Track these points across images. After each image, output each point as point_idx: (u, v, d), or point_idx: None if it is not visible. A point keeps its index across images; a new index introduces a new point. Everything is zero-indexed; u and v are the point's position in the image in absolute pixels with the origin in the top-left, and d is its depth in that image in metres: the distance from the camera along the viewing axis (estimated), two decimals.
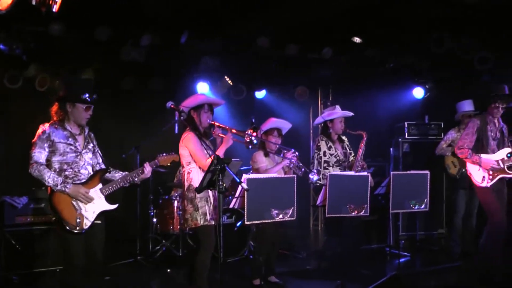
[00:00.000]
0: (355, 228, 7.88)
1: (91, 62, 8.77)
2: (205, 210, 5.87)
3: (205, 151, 5.81)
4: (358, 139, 7.64)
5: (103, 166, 5.51)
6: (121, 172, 5.57)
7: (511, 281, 6.93)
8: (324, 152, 7.62)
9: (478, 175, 7.20)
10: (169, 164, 5.85)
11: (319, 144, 7.71)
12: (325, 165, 7.57)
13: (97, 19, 7.76)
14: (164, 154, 5.73)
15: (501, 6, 7.49)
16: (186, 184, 5.98)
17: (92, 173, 5.38)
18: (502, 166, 7.15)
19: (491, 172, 7.13)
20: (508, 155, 7.21)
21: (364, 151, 7.59)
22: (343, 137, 7.89)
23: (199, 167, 5.91)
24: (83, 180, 5.27)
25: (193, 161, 5.94)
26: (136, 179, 5.52)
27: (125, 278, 7.83)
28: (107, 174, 5.49)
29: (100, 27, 7.83)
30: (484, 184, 7.14)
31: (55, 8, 6.12)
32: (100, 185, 5.35)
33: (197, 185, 5.67)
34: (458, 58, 8.87)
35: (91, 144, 5.49)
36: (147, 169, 5.54)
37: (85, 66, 8.79)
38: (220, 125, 6.17)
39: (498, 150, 7.29)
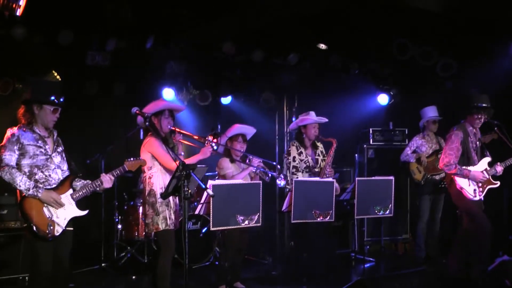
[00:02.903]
0: (323, 234, 7.89)
1: (54, 66, 8.64)
2: (165, 215, 5.90)
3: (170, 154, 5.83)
4: (329, 145, 7.65)
5: (68, 172, 5.44)
6: (82, 181, 5.44)
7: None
8: (294, 157, 7.62)
9: (470, 189, 7.00)
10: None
11: (289, 149, 7.75)
12: (294, 170, 7.58)
13: (61, 23, 7.67)
14: (132, 159, 5.62)
15: (462, 14, 7.61)
16: (147, 188, 5.99)
17: (61, 177, 5.29)
18: (487, 176, 7.05)
19: (480, 184, 7.01)
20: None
21: (333, 158, 7.64)
22: (318, 144, 7.88)
23: (166, 170, 5.92)
24: (54, 185, 5.20)
25: (154, 165, 5.96)
26: (98, 189, 5.40)
27: (90, 285, 7.75)
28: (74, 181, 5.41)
29: (63, 31, 7.74)
30: (477, 198, 7.00)
31: (19, 12, 6.04)
32: (70, 191, 5.28)
33: (158, 190, 5.77)
34: (421, 65, 8.96)
35: (60, 148, 5.41)
36: (105, 179, 5.38)
37: (48, 70, 8.66)
38: (181, 131, 6.19)
39: (478, 160, 7.16)
